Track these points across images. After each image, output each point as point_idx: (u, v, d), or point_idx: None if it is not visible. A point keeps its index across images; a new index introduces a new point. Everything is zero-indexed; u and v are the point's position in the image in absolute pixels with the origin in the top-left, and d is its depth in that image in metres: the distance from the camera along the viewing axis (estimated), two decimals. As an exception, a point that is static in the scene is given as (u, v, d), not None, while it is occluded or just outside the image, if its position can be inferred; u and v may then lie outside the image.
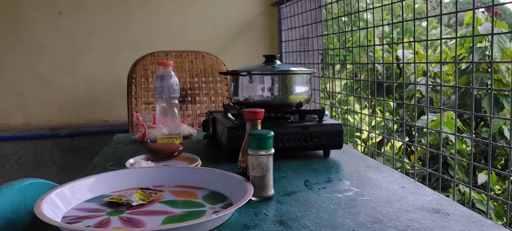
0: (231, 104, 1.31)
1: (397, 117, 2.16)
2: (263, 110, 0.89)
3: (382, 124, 1.86)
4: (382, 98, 1.67)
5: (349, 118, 1.96)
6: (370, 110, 1.81)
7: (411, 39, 1.34)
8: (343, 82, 1.88)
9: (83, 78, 2.41)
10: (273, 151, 0.83)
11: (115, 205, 0.79)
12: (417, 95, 2.24)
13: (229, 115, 1.26)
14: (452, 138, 1.90)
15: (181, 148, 1.17)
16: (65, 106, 2.41)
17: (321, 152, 1.22)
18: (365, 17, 1.72)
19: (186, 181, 0.92)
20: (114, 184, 0.89)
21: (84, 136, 2.35)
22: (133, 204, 0.78)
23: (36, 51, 2.34)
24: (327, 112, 1.23)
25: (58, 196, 0.78)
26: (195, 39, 2.48)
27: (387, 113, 2.30)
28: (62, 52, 2.37)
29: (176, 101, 1.36)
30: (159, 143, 1.28)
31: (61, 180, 0.89)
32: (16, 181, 0.80)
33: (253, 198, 0.82)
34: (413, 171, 1.37)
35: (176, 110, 1.35)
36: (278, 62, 1.26)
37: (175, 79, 1.33)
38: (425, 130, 1.40)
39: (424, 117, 1.93)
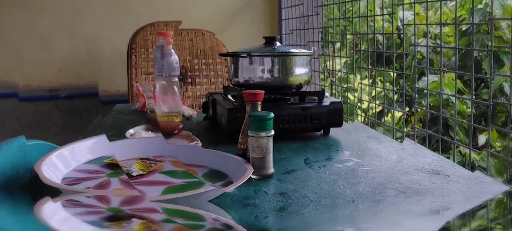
0: (231, 86, 1.30)
1: (397, 87, 2.15)
2: (263, 92, 0.89)
3: (382, 94, 1.85)
4: (382, 69, 1.66)
5: (349, 95, 1.96)
6: (371, 80, 1.81)
7: (412, 1, 1.32)
8: (343, 60, 1.88)
9: (83, 39, 2.37)
10: (273, 132, 0.83)
11: (115, 166, 0.79)
12: (417, 56, 2.22)
13: (229, 97, 1.25)
14: (453, 99, 1.90)
15: (181, 126, 1.17)
16: (65, 68, 2.39)
17: (321, 131, 1.21)
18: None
19: (186, 159, 0.89)
20: (113, 151, 0.88)
21: (84, 98, 2.35)
22: (133, 174, 0.78)
23: (35, 11, 2.31)
24: (327, 93, 1.23)
25: (58, 157, 0.78)
26: (194, 16, 2.40)
27: (387, 84, 2.29)
28: (62, 12, 2.33)
29: (176, 79, 1.33)
30: (159, 120, 1.26)
31: (61, 141, 0.89)
32: (16, 138, 0.79)
33: (253, 176, 0.81)
34: (413, 133, 1.37)
35: (176, 88, 1.32)
36: (278, 44, 1.25)
37: (175, 57, 1.30)
38: (425, 91, 1.39)
39: (424, 78, 1.91)
